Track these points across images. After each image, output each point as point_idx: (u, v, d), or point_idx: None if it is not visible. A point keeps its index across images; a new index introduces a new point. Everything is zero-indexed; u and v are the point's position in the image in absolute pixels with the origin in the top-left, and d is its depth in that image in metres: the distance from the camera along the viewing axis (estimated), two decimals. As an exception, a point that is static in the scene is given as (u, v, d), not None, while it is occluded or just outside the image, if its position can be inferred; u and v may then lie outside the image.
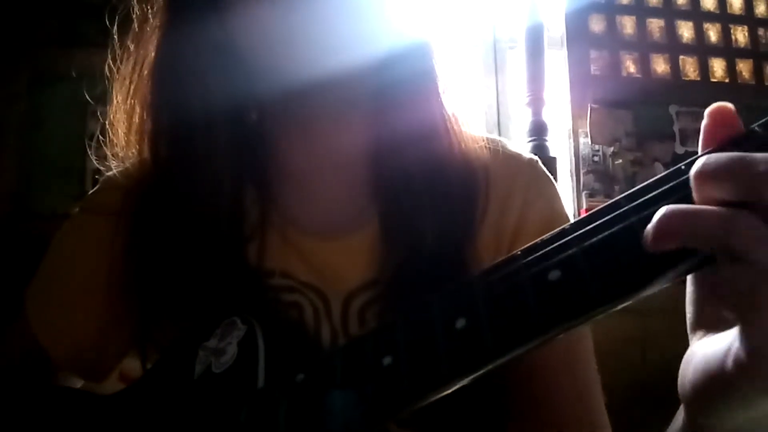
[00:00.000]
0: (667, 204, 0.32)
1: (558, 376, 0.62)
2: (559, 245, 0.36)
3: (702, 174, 0.31)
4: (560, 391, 0.62)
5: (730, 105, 0.35)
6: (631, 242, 0.33)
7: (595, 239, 0.34)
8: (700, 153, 0.35)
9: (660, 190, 0.34)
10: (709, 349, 0.34)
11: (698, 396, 0.34)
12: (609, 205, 0.35)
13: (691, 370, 0.35)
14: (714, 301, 0.36)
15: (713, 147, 0.34)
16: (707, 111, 0.35)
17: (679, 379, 0.36)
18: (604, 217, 0.35)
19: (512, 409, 0.64)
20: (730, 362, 0.31)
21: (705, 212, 0.30)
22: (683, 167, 0.34)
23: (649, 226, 0.31)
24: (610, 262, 0.33)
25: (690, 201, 0.32)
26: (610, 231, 0.34)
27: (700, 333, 0.37)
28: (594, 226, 0.35)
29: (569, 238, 0.35)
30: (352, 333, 0.61)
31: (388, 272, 0.61)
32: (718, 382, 0.32)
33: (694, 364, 0.35)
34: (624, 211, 0.34)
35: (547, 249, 0.36)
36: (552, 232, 0.37)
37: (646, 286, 0.32)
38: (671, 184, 0.34)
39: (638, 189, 0.35)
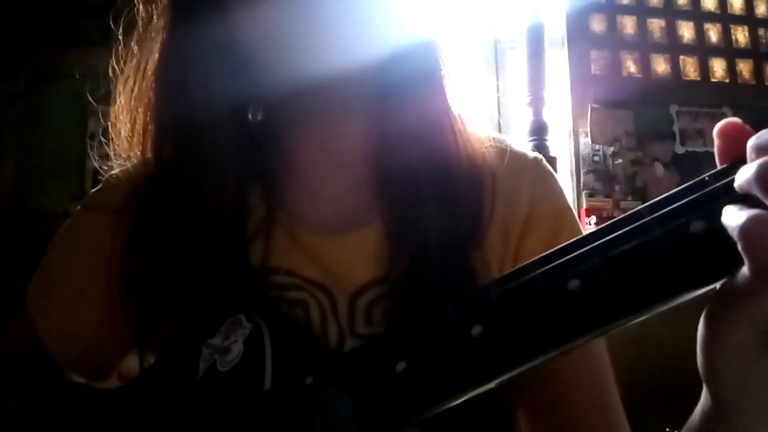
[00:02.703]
0: (691, 216, 0.32)
1: (577, 375, 0.62)
2: (578, 255, 0.35)
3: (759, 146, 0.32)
4: (580, 390, 0.62)
5: (736, 120, 0.35)
6: (655, 255, 0.32)
7: (617, 250, 0.34)
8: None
9: (683, 201, 0.33)
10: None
11: (701, 363, 0.37)
12: (630, 215, 0.35)
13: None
14: None
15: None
16: (715, 131, 0.35)
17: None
18: (624, 227, 0.34)
19: (530, 410, 0.64)
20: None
21: None
22: (707, 178, 0.34)
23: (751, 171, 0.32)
24: (632, 274, 0.33)
25: (714, 213, 0.32)
26: (633, 242, 0.34)
27: None
28: (615, 237, 0.35)
29: (590, 247, 0.35)
30: (358, 331, 0.61)
31: (395, 270, 0.60)
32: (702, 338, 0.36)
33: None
34: (646, 222, 0.34)
35: (565, 258, 0.36)
36: (569, 240, 0.37)
37: (669, 300, 0.32)
38: (695, 195, 0.33)
39: (661, 200, 0.34)
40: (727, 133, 0.35)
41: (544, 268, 0.36)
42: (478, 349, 0.37)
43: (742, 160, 0.33)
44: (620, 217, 0.35)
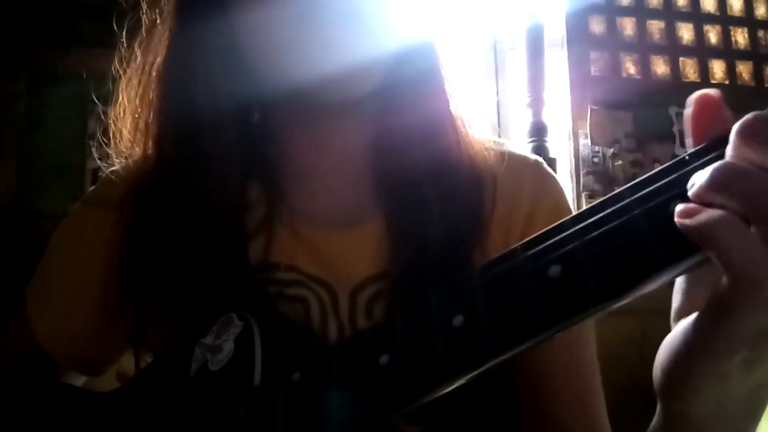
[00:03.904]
0: (671, 196, 0.31)
1: (559, 376, 0.62)
2: (559, 239, 0.35)
3: (746, 132, 0.31)
4: (561, 392, 0.62)
5: (715, 92, 0.34)
6: (634, 235, 0.32)
7: (596, 232, 0.33)
8: (690, 141, 0.34)
9: (663, 181, 0.33)
10: (680, 326, 0.34)
11: (668, 378, 0.35)
12: (611, 197, 0.34)
13: (661, 354, 0.35)
14: (702, 290, 0.36)
15: (700, 132, 0.34)
16: (691, 97, 0.34)
17: (654, 370, 0.37)
18: (605, 210, 0.34)
19: (514, 422, 0.64)
20: (691, 327, 0.32)
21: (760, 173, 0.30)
22: (687, 158, 0.33)
23: (704, 178, 0.30)
24: (611, 256, 0.32)
25: None
26: (612, 224, 0.33)
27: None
28: (595, 219, 0.34)
29: (570, 231, 0.35)
30: (359, 327, 0.61)
31: (396, 266, 0.61)
32: (683, 353, 0.33)
33: (663, 347, 0.35)
34: (626, 203, 0.33)
35: (547, 243, 0.35)
36: (552, 225, 0.36)
37: (649, 281, 0.31)
38: (675, 175, 0.33)
39: (641, 180, 0.34)
40: (702, 103, 0.34)
41: (525, 254, 0.36)
42: (459, 340, 0.36)
43: (724, 138, 0.32)
44: (602, 199, 0.34)
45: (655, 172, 0.34)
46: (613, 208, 0.34)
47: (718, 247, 0.29)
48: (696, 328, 0.32)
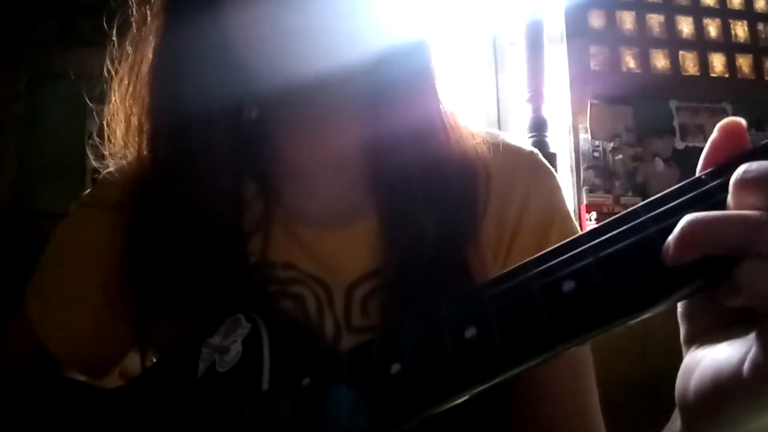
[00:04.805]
0: (687, 215, 0.31)
1: (556, 377, 0.62)
2: (573, 255, 0.34)
3: (744, 181, 0.30)
4: (557, 392, 0.62)
5: (742, 121, 0.34)
6: (650, 253, 0.32)
7: (611, 249, 0.33)
8: (701, 163, 0.34)
9: (680, 200, 0.33)
10: (720, 355, 0.33)
11: (704, 403, 0.33)
12: (626, 214, 0.34)
13: (696, 377, 0.34)
14: (711, 312, 0.36)
15: (719, 160, 0.34)
16: (719, 125, 0.34)
17: (679, 388, 0.35)
18: (620, 227, 0.34)
19: (509, 422, 0.64)
20: (747, 366, 0.30)
21: (729, 218, 0.30)
22: (704, 177, 0.33)
23: (671, 237, 0.30)
24: (626, 273, 0.32)
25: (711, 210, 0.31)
26: (627, 241, 0.33)
27: (695, 345, 0.36)
28: (610, 236, 0.34)
29: (584, 247, 0.34)
30: (355, 324, 0.61)
31: (390, 263, 0.61)
32: (731, 387, 0.31)
33: (701, 371, 0.34)
34: (642, 221, 0.33)
35: (561, 258, 0.35)
36: (566, 240, 0.36)
37: (664, 299, 0.31)
38: (691, 194, 0.33)
39: (657, 198, 0.34)
40: (729, 131, 0.34)
41: (538, 269, 0.36)
42: (472, 351, 0.36)
43: (738, 160, 0.32)
44: (616, 216, 0.34)
45: (671, 191, 0.34)
46: (629, 225, 0.33)
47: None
48: (755, 368, 0.30)
